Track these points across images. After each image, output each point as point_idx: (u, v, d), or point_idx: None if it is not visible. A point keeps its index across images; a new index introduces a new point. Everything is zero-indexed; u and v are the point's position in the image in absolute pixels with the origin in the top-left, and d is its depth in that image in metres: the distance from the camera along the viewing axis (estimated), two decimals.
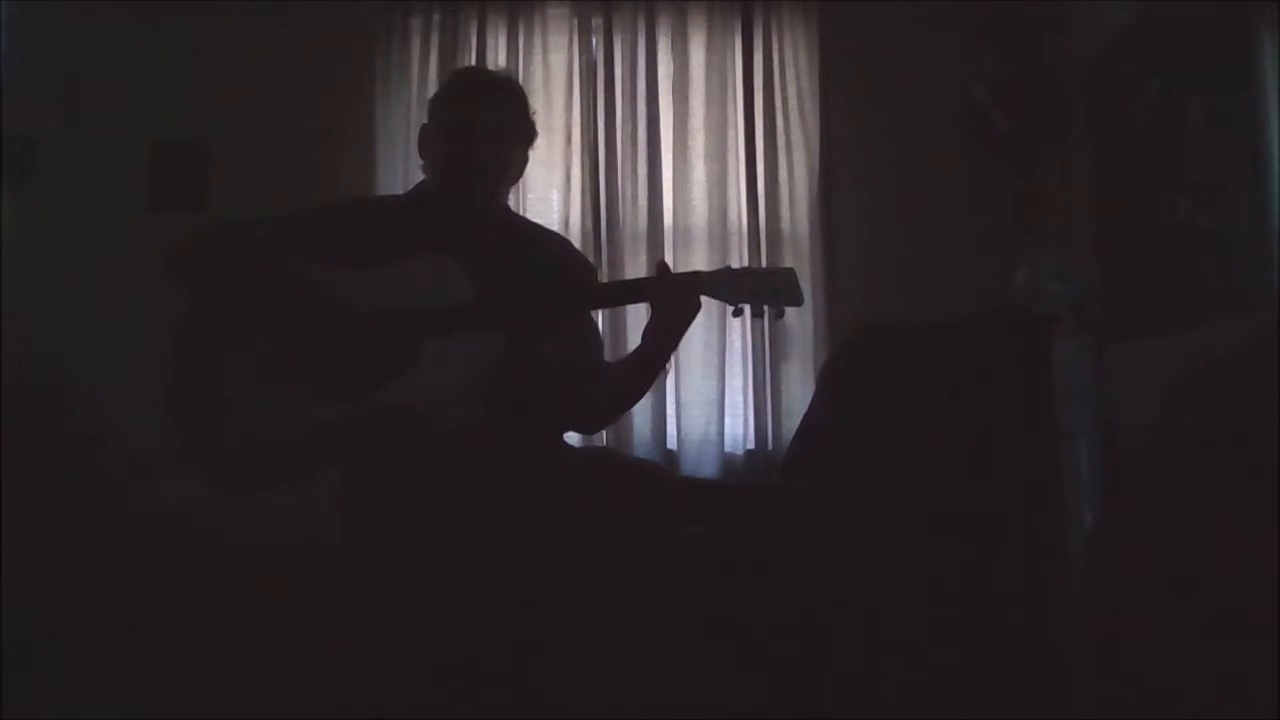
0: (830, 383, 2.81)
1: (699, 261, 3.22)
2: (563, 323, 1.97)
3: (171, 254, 1.88)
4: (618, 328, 3.10)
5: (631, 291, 2.03)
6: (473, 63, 3.28)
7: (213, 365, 1.83)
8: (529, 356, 1.86)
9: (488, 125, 1.92)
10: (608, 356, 2.13)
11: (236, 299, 1.86)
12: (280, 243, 1.88)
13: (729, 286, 1.78)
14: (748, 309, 1.77)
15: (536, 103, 2.06)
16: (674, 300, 1.78)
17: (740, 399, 3.23)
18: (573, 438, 2.10)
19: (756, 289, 1.77)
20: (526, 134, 2.01)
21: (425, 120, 2.03)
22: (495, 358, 1.79)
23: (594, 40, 3.35)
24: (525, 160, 2.04)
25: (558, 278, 2.00)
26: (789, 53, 3.34)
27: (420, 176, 2.03)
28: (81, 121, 3.24)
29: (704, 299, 1.79)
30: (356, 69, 3.29)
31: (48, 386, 3.05)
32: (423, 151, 2.02)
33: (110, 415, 2.99)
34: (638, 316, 3.10)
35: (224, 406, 1.80)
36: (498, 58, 3.30)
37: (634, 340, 3.04)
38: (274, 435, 1.77)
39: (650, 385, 2.00)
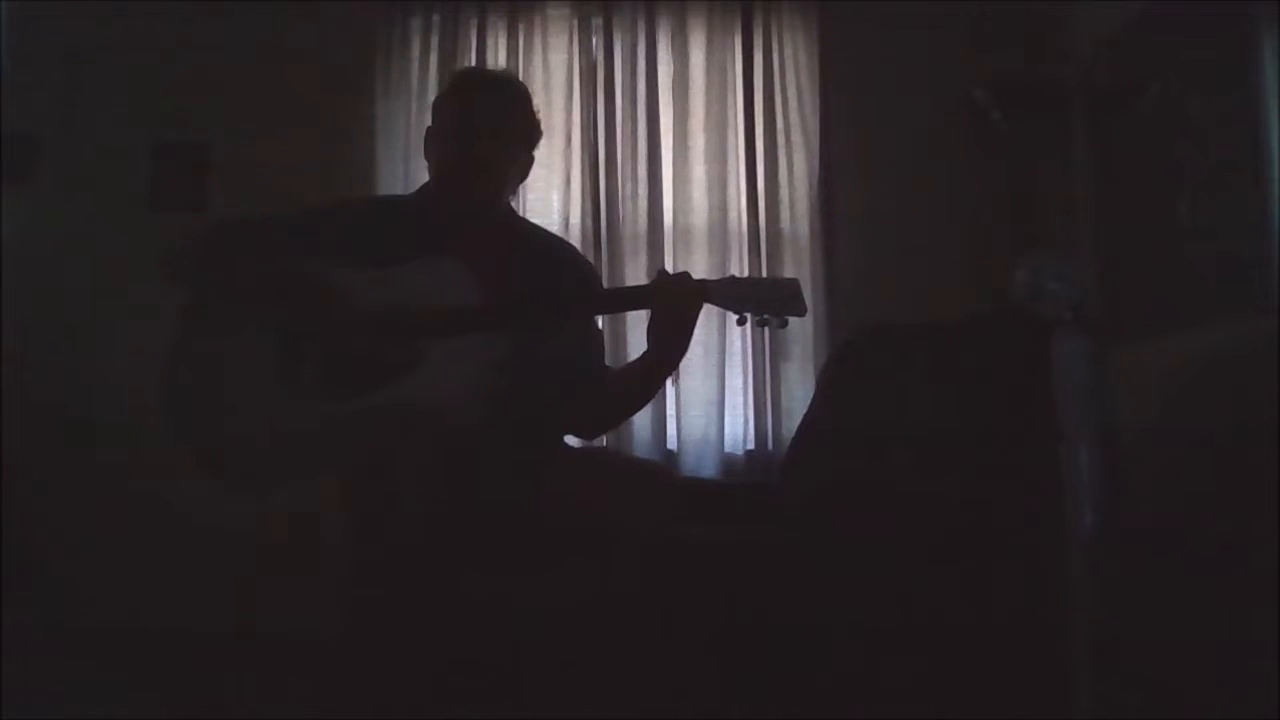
0: (830, 383, 2.81)
1: (699, 262, 3.22)
2: (566, 327, 1.96)
3: (175, 252, 1.86)
4: (618, 334, 3.10)
5: (635, 297, 2.03)
6: (473, 63, 3.28)
7: (216, 364, 1.82)
8: (532, 359, 1.86)
9: (487, 125, 1.90)
10: (607, 363, 2.12)
11: (241, 297, 1.85)
12: (285, 241, 1.87)
13: (733, 295, 1.77)
14: (750, 318, 1.77)
15: (536, 102, 2.05)
16: (676, 303, 1.78)
17: (740, 399, 3.23)
18: (573, 441, 2.10)
19: (761, 298, 1.76)
20: (529, 133, 1.99)
21: (429, 123, 2.02)
22: (499, 360, 1.79)
23: (594, 40, 3.35)
24: (530, 161, 2.02)
25: (562, 281, 1.99)
26: (789, 53, 3.34)
27: (423, 178, 2.03)
28: (81, 121, 3.24)
29: (706, 306, 1.79)
30: (356, 69, 3.29)
31: (48, 386, 3.05)
32: (427, 154, 2.01)
33: (110, 415, 2.99)
34: (637, 322, 3.11)
35: (226, 406, 1.80)
36: (498, 58, 3.30)
37: (634, 346, 3.09)
38: (276, 435, 1.76)
39: (655, 392, 1.99)
